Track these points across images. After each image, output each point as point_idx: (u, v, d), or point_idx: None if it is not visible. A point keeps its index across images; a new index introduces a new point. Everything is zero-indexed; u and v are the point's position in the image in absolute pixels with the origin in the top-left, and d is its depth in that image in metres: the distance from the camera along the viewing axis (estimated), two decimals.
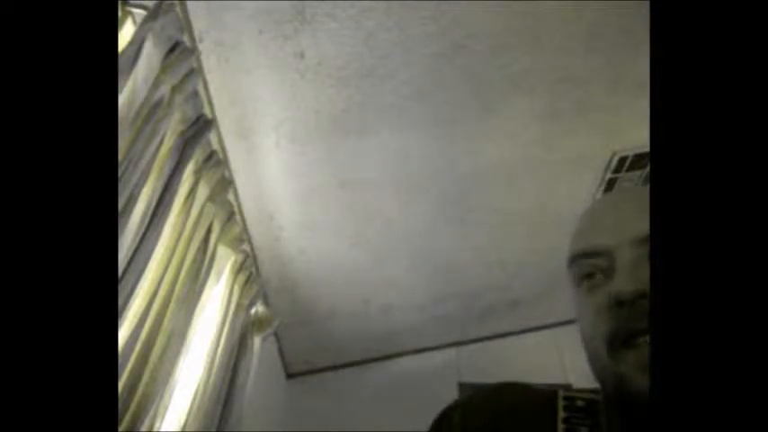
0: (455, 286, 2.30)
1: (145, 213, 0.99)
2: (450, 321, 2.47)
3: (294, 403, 2.43)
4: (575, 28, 1.45)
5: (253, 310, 1.69)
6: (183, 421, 1.22)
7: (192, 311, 1.19)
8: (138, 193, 0.94)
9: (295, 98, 1.48)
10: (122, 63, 0.91)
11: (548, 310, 2.53)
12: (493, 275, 2.29)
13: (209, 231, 1.33)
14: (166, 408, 1.08)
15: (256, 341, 1.66)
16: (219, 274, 1.44)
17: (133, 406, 0.94)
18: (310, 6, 1.28)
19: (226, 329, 1.44)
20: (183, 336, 1.13)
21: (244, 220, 1.75)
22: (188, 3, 1.22)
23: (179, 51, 1.11)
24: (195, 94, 1.20)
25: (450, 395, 2.34)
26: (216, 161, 1.35)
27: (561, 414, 0.56)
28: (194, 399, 1.26)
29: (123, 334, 0.93)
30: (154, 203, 1.02)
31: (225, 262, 1.49)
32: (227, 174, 1.45)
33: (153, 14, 1.01)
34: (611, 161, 1.90)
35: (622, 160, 1.90)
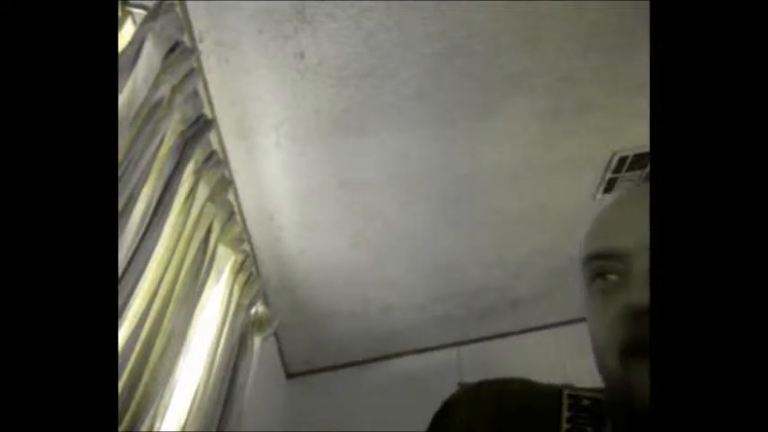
0: (455, 286, 2.30)
1: (145, 213, 0.99)
2: (450, 321, 2.47)
3: (294, 403, 2.43)
4: (575, 28, 1.45)
5: (253, 310, 1.69)
6: (183, 421, 1.22)
7: (192, 311, 1.19)
8: (138, 193, 0.94)
9: (295, 98, 1.48)
10: (122, 63, 0.91)
11: (548, 310, 2.54)
12: (493, 275, 2.29)
13: (209, 231, 1.33)
14: (166, 408, 1.08)
15: (256, 341, 1.66)
16: (219, 274, 1.44)
17: (133, 406, 0.94)
18: (310, 6, 1.28)
19: (226, 329, 1.44)
20: (183, 336, 1.13)
21: (244, 220, 1.75)
22: (188, 3, 1.22)
23: (179, 51, 1.11)
24: (195, 94, 1.21)
25: None
26: (216, 161, 1.35)
27: (566, 413, 0.55)
28: (194, 399, 1.26)
29: (123, 334, 0.94)
30: (154, 203, 1.02)
31: (225, 262, 1.49)
32: (227, 174, 1.45)
33: (153, 14, 1.01)
34: (611, 161, 1.90)
35: (622, 160, 1.90)
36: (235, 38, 1.31)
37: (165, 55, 1.08)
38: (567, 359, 2.39)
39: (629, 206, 0.53)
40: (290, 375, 2.52)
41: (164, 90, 1.06)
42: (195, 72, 1.17)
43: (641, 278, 0.47)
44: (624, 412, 0.50)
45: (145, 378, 0.98)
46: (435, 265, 2.17)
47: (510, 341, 2.59)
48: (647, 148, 1.85)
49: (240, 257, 1.57)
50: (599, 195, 2.03)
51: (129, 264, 0.92)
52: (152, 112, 1.00)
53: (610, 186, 1.99)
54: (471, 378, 2.42)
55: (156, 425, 1.02)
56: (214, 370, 1.34)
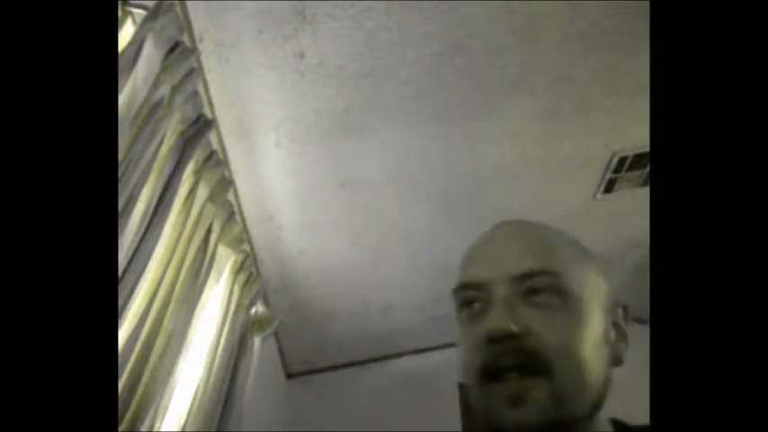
0: None
1: (145, 213, 0.99)
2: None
3: (294, 403, 2.43)
4: (575, 28, 1.45)
5: (253, 310, 1.69)
6: (183, 421, 1.22)
7: (192, 311, 1.19)
8: (138, 193, 0.94)
9: (295, 98, 1.48)
10: (122, 63, 0.91)
11: None
12: None
13: (209, 231, 1.33)
14: (166, 408, 1.08)
15: (256, 341, 1.66)
16: (219, 274, 1.44)
17: (133, 406, 0.94)
18: (310, 6, 1.28)
19: (226, 329, 1.44)
20: (183, 336, 1.13)
21: (244, 220, 1.75)
22: (188, 3, 1.22)
23: (179, 51, 1.11)
24: (195, 94, 1.21)
25: (451, 395, 2.34)
26: (216, 161, 1.35)
27: None
28: (194, 399, 1.26)
29: (123, 334, 0.93)
30: (154, 203, 1.02)
31: (225, 262, 1.49)
32: (227, 174, 1.45)
33: (153, 14, 1.01)
34: (611, 161, 1.90)
35: (622, 160, 1.90)
36: (235, 38, 1.31)
37: (165, 55, 1.08)
38: None
39: (493, 241, 0.58)
40: (290, 375, 2.52)
41: (164, 90, 1.06)
42: (195, 72, 1.17)
43: (498, 306, 0.52)
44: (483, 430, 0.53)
45: (145, 378, 0.98)
46: (435, 265, 2.17)
47: None
48: (647, 148, 1.84)
49: (240, 257, 1.57)
50: (599, 195, 2.02)
51: (129, 264, 0.92)
52: (152, 112, 1.00)
53: (610, 186, 1.99)
54: None
55: (156, 425, 1.02)
56: (214, 370, 1.34)
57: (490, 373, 0.51)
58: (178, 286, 1.13)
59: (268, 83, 1.42)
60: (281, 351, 2.39)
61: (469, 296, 0.56)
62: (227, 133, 1.51)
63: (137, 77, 0.96)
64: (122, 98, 0.92)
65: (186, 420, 1.22)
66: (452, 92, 1.55)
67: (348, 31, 1.34)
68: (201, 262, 1.26)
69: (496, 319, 0.51)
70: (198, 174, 1.27)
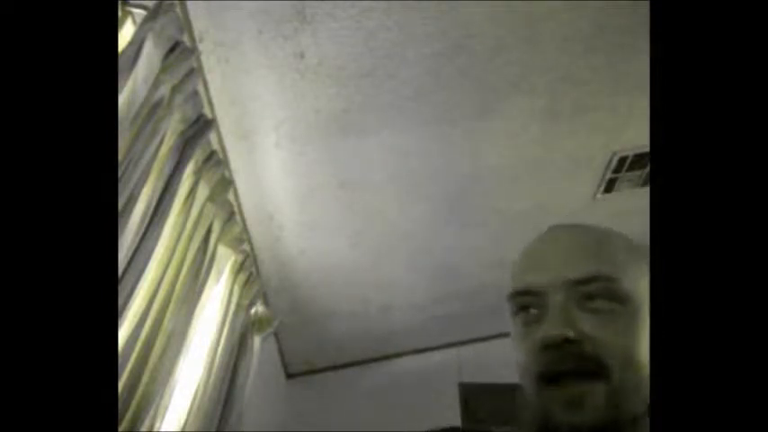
0: (455, 286, 2.30)
1: (145, 213, 0.99)
2: (450, 321, 2.47)
3: (294, 403, 2.44)
4: (575, 28, 1.45)
5: (253, 310, 1.69)
6: (183, 421, 1.22)
7: (192, 311, 1.19)
8: (138, 193, 0.94)
9: (295, 98, 1.48)
10: (122, 63, 0.91)
11: None
12: (493, 275, 2.28)
13: (209, 231, 1.33)
14: (166, 408, 1.08)
15: (256, 341, 1.66)
16: (219, 274, 1.44)
17: (133, 406, 0.94)
18: (310, 6, 1.28)
19: (226, 329, 1.44)
20: (183, 336, 1.13)
21: (244, 220, 1.75)
22: (188, 3, 1.22)
23: (179, 51, 1.11)
24: (195, 94, 1.20)
25: (451, 395, 2.34)
26: (216, 161, 1.35)
27: None
28: (194, 399, 1.26)
29: (123, 334, 0.93)
30: (154, 203, 1.02)
31: (225, 262, 1.49)
32: (227, 174, 1.45)
33: (153, 14, 1.01)
34: (611, 161, 1.90)
35: (622, 160, 1.90)
36: (235, 38, 1.31)
37: (165, 55, 1.08)
38: None
39: (548, 246, 0.59)
40: (290, 375, 2.52)
41: (164, 90, 1.06)
42: (195, 72, 1.17)
43: (554, 313, 0.53)
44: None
45: (145, 378, 0.98)
46: (435, 265, 2.17)
47: (510, 341, 2.58)
48: (647, 148, 1.84)
49: (240, 257, 1.57)
50: (599, 195, 2.02)
51: (129, 264, 0.92)
52: (152, 112, 1.00)
53: (610, 186, 1.99)
54: (471, 378, 2.43)
55: (156, 425, 1.02)
56: (214, 370, 1.34)
57: (547, 378, 0.52)
58: (178, 286, 1.13)
59: (268, 83, 1.42)
60: (281, 351, 2.39)
61: (525, 302, 0.56)
62: (227, 133, 1.51)
63: (137, 77, 0.96)
64: (122, 98, 0.92)
65: (186, 420, 1.22)
66: (452, 92, 1.55)
67: (348, 31, 1.34)
68: (201, 262, 1.26)
69: (553, 327, 0.52)
70: (198, 174, 1.27)
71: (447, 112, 1.61)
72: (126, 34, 1.03)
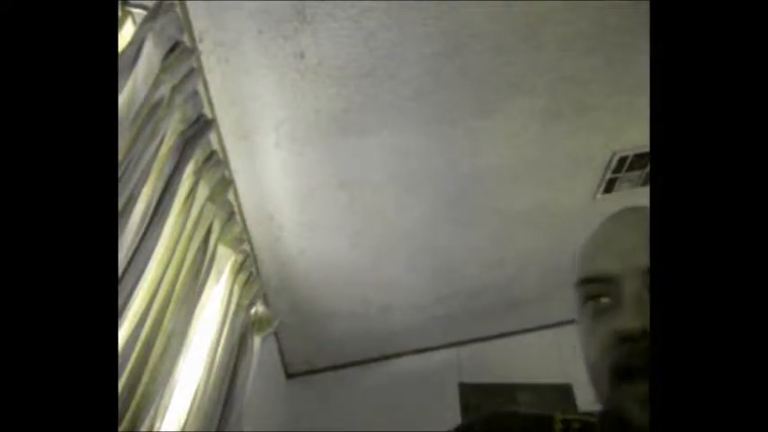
0: (455, 286, 2.30)
1: (145, 213, 0.99)
2: (450, 321, 2.47)
3: (294, 403, 2.44)
4: (575, 28, 1.45)
5: (253, 310, 1.69)
6: (183, 421, 1.22)
7: (192, 311, 1.18)
8: (138, 193, 0.94)
9: (295, 98, 1.48)
10: (122, 63, 0.91)
11: (548, 310, 2.53)
12: (493, 275, 2.29)
13: (209, 231, 1.32)
14: (166, 408, 1.08)
15: (256, 341, 1.66)
16: (219, 274, 1.44)
17: (133, 406, 0.94)
18: (310, 6, 1.28)
19: (226, 329, 1.44)
20: (183, 336, 1.13)
21: (244, 220, 1.75)
22: (188, 3, 1.22)
23: (179, 51, 1.11)
24: (195, 94, 1.20)
25: (451, 395, 2.34)
26: (216, 161, 1.35)
27: None
28: (194, 399, 1.26)
29: (123, 334, 0.93)
30: (154, 203, 1.02)
31: (225, 262, 1.49)
32: (227, 174, 1.45)
33: (153, 14, 1.01)
34: (611, 161, 1.90)
35: (622, 160, 1.90)
36: (235, 38, 1.31)
37: (165, 55, 1.08)
38: (567, 359, 2.39)
39: (620, 230, 0.53)
40: (290, 375, 2.52)
41: (164, 90, 1.06)
42: (195, 72, 1.17)
43: (631, 302, 0.48)
44: (616, 430, 0.51)
45: (145, 378, 0.98)
46: (435, 265, 2.17)
47: (510, 341, 2.59)
48: (647, 148, 1.85)
49: (240, 257, 1.57)
50: (599, 195, 2.03)
51: (129, 264, 0.92)
52: (152, 112, 1.00)
53: (610, 186, 1.99)
54: (471, 378, 2.43)
55: (156, 425, 1.02)
56: (214, 370, 1.34)
57: (621, 373, 0.48)
58: (178, 286, 1.13)
59: (268, 83, 1.42)
60: (281, 351, 2.39)
61: (596, 290, 0.52)
62: (227, 133, 1.51)
63: (137, 77, 0.96)
64: (122, 98, 0.92)
65: (186, 420, 1.22)
66: (452, 92, 1.55)
67: (348, 31, 1.34)
68: (201, 262, 1.26)
69: (628, 318, 0.47)
70: (198, 174, 1.27)
71: (447, 112, 1.61)
72: (126, 34, 1.03)
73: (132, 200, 0.92)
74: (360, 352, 2.52)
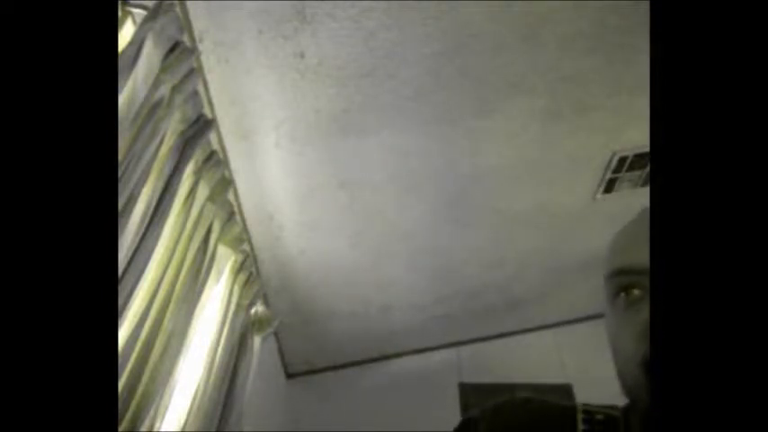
0: (455, 286, 2.30)
1: (145, 213, 0.99)
2: (450, 321, 2.47)
3: (294, 403, 2.44)
4: (575, 28, 1.45)
5: (253, 310, 1.69)
6: (183, 421, 1.22)
7: (192, 311, 1.18)
8: (138, 193, 0.94)
9: (295, 98, 1.48)
10: (122, 63, 0.91)
11: (548, 310, 2.54)
12: (493, 275, 2.29)
13: (209, 231, 1.32)
14: (166, 408, 1.08)
15: (256, 341, 1.66)
16: (219, 274, 1.44)
17: (133, 406, 0.94)
18: (310, 6, 1.28)
19: (226, 329, 1.44)
20: (183, 336, 1.13)
21: (244, 220, 1.75)
22: (188, 3, 1.22)
23: (179, 51, 1.11)
24: (195, 94, 1.20)
25: (451, 395, 2.34)
26: (216, 161, 1.35)
27: (581, 427, 0.56)
28: (194, 399, 1.26)
29: (123, 334, 0.93)
30: (154, 203, 1.02)
31: (225, 262, 1.49)
32: (227, 174, 1.45)
33: (153, 14, 1.01)
34: (611, 161, 1.90)
35: (622, 160, 1.90)
36: (235, 38, 1.31)
37: (165, 55, 1.08)
38: (568, 359, 2.39)
39: None
40: (290, 375, 2.52)
41: (164, 90, 1.06)
42: (195, 72, 1.17)
43: None
44: (645, 424, 0.51)
45: (145, 378, 0.98)
46: (435, 265, 2.17)
47: (510, 341, 2.59)
48: (647, 148, 1.85)
49: (240, 257, 1.57)
50: (599, 195, 2.03)
51: (129, 264, 0.92)
52: (152, 112, 1.00)
53: (610, 186, 2.00)
54: (471, 378, 2.43)
55: (156, 425, 1.02)
56: (214, 370, 1.34)
57: None
58: (178, 286, 1.13)
59: (268, 83, 1.42)
60: (281, 351, 2.39)
61: (627, 282, 0.51)
62: (227, 133, 1.51)
63: (137, 77, 0.96)
64: (122, 98, 0.92)
65: (186, 420, 1.22)
66: (452, 92, 1.55)
67: (348, 31, 1.34)
68: (201, 262, 1.26)
69: None
70: (198, 174, 1.27)
71: (447, 112, 1.61)
72: (126, 34, 1.03)
73: (132, 200, 0.92)
74: (360, 352, 2.52)
